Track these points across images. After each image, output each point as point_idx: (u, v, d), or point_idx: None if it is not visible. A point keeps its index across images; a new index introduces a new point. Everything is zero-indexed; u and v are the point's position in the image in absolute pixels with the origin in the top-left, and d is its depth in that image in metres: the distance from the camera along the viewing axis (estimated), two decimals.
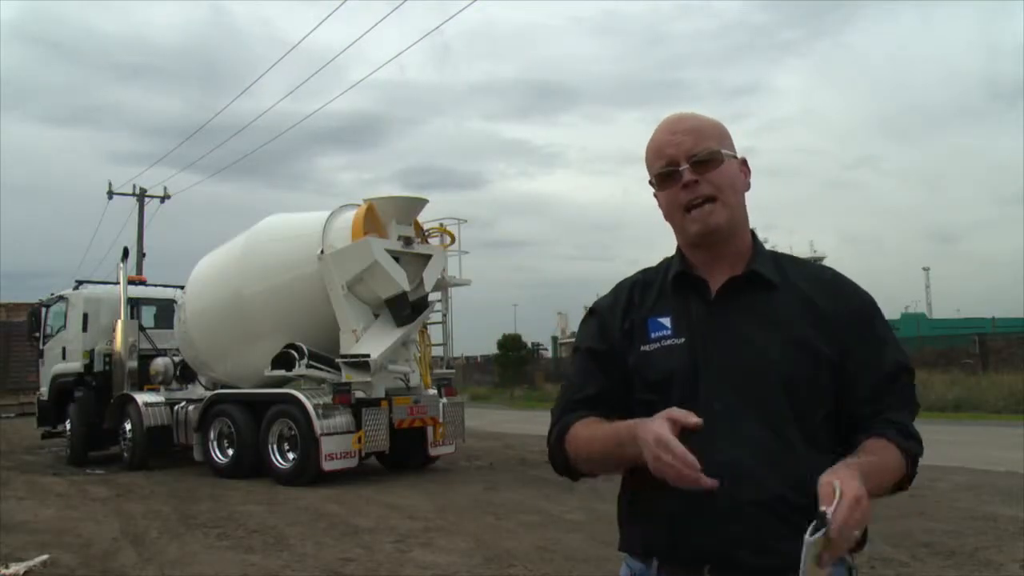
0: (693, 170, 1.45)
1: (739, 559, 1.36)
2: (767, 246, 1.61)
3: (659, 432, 1.27)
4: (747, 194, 1.55)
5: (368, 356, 9.05)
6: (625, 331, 1.53)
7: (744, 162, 1.55)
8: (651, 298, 1.54)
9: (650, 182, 1.53)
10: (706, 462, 1.36)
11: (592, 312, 1.63)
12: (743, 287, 1.48)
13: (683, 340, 1.46)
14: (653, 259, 1.66)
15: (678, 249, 1.56)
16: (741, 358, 1.42)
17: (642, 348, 1.50)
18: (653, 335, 1.49)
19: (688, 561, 1.40)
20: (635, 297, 1.57)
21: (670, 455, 1.26)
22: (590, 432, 1.47)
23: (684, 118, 1.52)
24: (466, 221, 10.84)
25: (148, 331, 12.45)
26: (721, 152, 1.47)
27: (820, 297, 1.47)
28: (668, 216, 1.52)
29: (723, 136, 1.51)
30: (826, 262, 1.58)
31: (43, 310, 13.51)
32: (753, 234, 1.56)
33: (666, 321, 1.49)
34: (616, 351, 1.53)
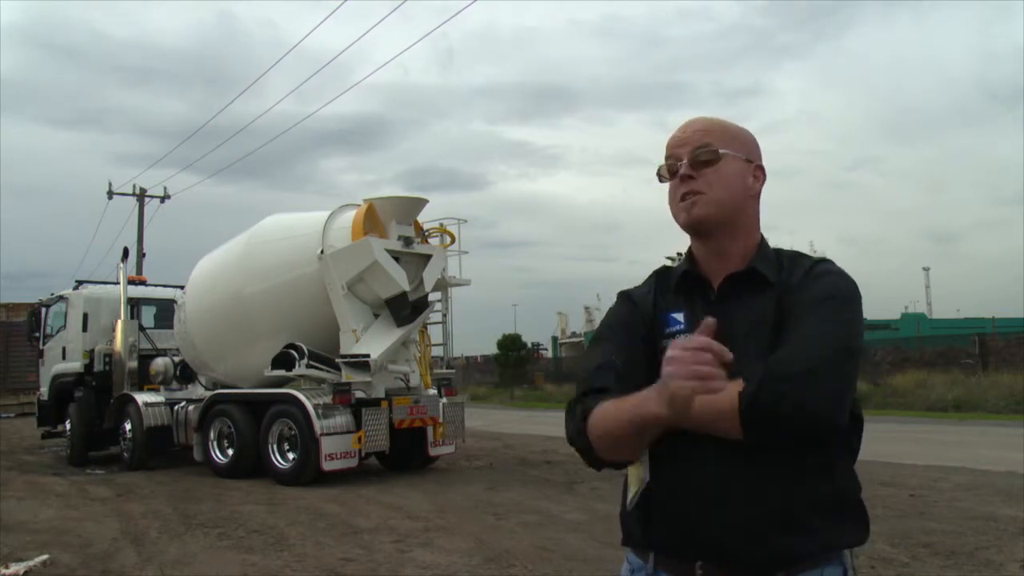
0: (691, 166, 1.52)
1: (732, 551, 1.38)
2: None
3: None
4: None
5: (368, 356, 9.05)
6: (652, 320, 1.56)
7: (759, 168, 1.58)
8: (668, 293, 1.59)
9: (657, 173, 1.60)
10: (704, 461, 1.40)
11: (626, 296, 1.65)
12: (742, 285, 1.51)
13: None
14: (652, 259, 1.68)
15: (689, 247, 1.61)
16: (735, 354, 1.43)
17: (662, 343, 1.52)
18: (668, 330, 1.53)
19: (683, 554, 1.43)
20: (658, 289, 1.61)
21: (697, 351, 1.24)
22: (607, 414, 1.43)
23: (699, 119, 1.59)
24: (466, 221, 10.84)
25: (148, 331, 12.45)
26: (720, 151, 1.51)
27: (798, 287, 1.48)
28: (671, 207, 1.58)
29: (733, 139, 1.55)
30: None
31: (43, 310, 13.50)
32: (762, 236, 1.59)
33: (679, 316, 1.53)
34: (645, 335, 1.55)
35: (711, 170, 1.51)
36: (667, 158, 1.57)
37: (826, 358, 1.36)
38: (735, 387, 1.36)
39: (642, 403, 1.34)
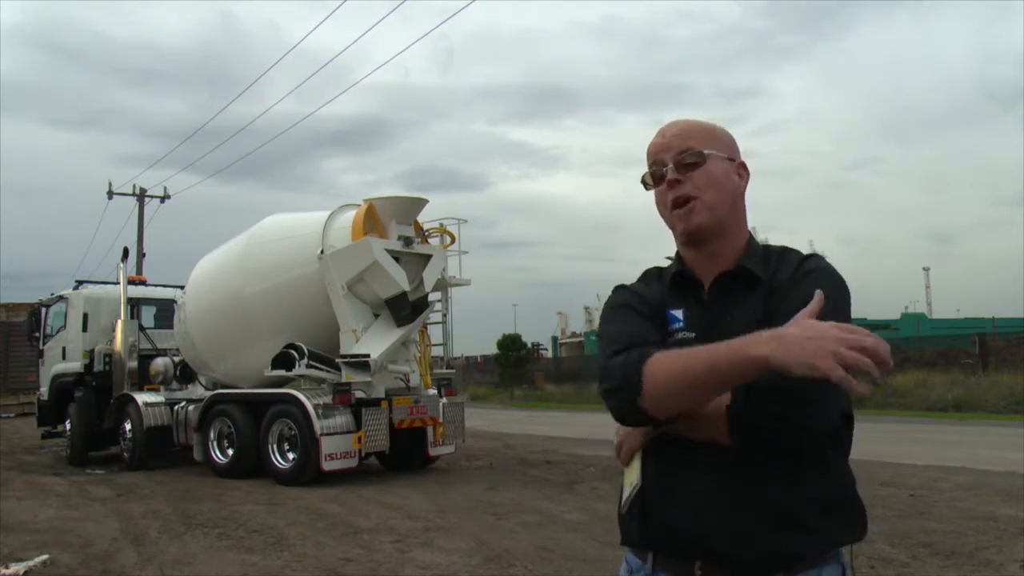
0: (676, 170, 1.51)
1: (730, 552, 1.38)
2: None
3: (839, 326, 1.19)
4: (748, 195, 1.59)
5: (368, 356, 9.05)
6: (660, 314, 1.54)
7: (741, 165, 1.58)
8: (665, 291, 1.58)
9: (642, 181, 1.58)
10: (700, 462, 1.40)
11: (627, 288, 1.63)
12: (733, 284, 1.50)
13: (694, 335, 1.49)
14: (652, 259, 1.68)
15: (677, 251, 1.60)
16: None
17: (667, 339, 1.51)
18: (671, 327, 1.52)
19: (681, 555, 1.43)
20: (655, 287, 1.60)
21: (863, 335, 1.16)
22: (684, 354, 1.34)
23: (677, 123, 1.58)
24: (466, 221, 10.84)
25: (148, 331, 12.45)
26: (704, 153, 1.51)
27: (787, 283, 1.46)
28: (660, 214, 1.57)
29: (714, 139, 1.55)
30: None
31: (43, 310, 13.50)
32: (749, 233, 1.59)
33: (679, 313, 1.53)
34: (657, 324, 1.53)
35: (698, 172, 1.50)
36: (651, 165, 1.55)
37: None
38: (723, 395, 1.37)
39: (744, 345, 1.25)
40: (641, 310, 1.54)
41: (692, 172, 1.50)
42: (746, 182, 1.58)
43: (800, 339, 1.19)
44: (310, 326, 9.64)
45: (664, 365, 1.35)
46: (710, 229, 1.51)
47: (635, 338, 1.46)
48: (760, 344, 1.23)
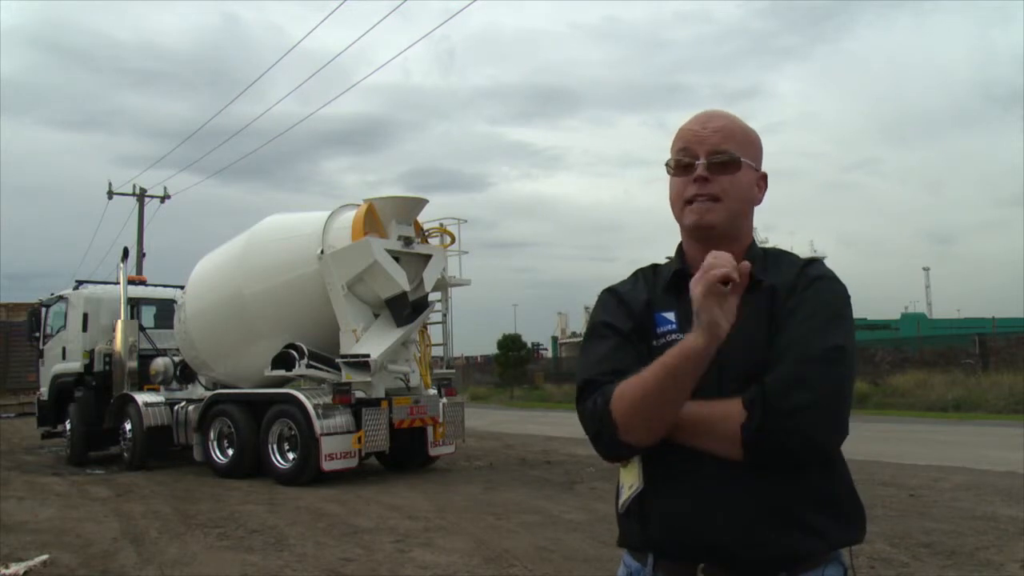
0: (708, 168, 1.48)
1: (732, 553, 1.37)
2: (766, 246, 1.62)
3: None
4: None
5: (368, 356, 9.05)
6: (642, 318, 1.54)
7: (763, 177, 1.57)
8: (659, 292, 1.56)
9: (666, 164, 1.55)
10: (701, 462, 1.39)
11: (612, 292, 1.62)
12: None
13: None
14: (652, 259, 1.67)
15: (679, 246, 1.59)
16: (733, 356, 1.42)
17: (652, 343, 1.50)
18: (660, 330, 1.51)
19: (682, 556, 1.42)
20: (647, 288, 1.58)
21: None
22: (638, 377, 1.37)
23: (718, 116, 1.54)
24: (466, 221, 10.86)
25: (148, 331, 12.44)
26: (740, 159, 1.49)
27: (789, 287, 1.46)
28: (672, 202, 1.55)
29: (749, 145, 1.53)
30: (825, 262, 1.57)
31: (43, 310, 13.49)
32: (752, 238, 1.58)
33: (670, 316, 1.51)
34: (639, 332, 1.53)
35: (728, 177, 1.48)
36: (678, 151, 1.52)
37: (829, 383, 1.36)
38: (735, 411, 1.36)
39: (678, 347, 1.33)
40: (620, 327, 1.53)
41: (721, 175, 1.47)
42: (763, 195, 1.57)
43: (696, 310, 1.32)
44: (310, 326, 9.64)
45: (626, 396, 1.39)
46: (720, 232, 1.49)
47: (602, 369, 1.48)
48: (687, 339, 1.33)
